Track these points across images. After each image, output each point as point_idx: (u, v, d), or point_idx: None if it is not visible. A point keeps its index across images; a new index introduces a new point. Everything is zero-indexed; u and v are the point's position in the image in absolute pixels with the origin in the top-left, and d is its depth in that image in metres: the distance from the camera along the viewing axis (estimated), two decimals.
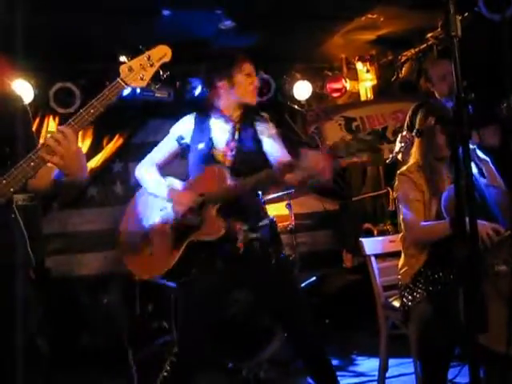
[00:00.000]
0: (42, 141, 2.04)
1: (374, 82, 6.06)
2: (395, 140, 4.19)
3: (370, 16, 4.78)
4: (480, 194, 2.84)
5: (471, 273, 1.60)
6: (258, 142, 2.98)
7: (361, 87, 6.13)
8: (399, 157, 3.91)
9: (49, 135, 1.95)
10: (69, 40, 4.51)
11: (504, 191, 2.87)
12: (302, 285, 4.62)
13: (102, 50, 4.72)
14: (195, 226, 2.82)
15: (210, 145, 2.95)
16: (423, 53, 5.36)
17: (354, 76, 6.06)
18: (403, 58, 5.66)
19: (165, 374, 2.84)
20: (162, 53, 2.18)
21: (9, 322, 2.01)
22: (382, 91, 6.08)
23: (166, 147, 3.06)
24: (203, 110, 3.06)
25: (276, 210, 4.67)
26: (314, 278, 4.84)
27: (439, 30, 4.93)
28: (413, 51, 5.49)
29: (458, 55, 1.65)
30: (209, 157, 2.93)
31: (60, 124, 5.19)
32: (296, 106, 6.06)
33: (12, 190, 1.93)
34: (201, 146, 2.96)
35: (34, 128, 2.28)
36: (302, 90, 5.82)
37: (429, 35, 5.12)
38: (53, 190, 2.13)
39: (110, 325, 4.71)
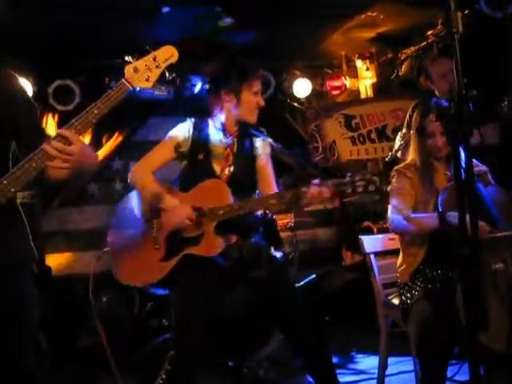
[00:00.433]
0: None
1: (374, 79, 6.05)
2: (395, 138, 4.19)
3: (369, 14, 4.78)
4: (478, 193, 2.83)
5: (472, 271, 1.60)
6: (254, 159, 2.97)
7: (361, 85, 6.12)
8: (399, 154, 3.91)
9: (51, 139, 1.92)
10: (68, 37, 4.50)
11: (502, 189, 2.86)
12: (302, 282, 4.62)
13: (101, 48, 4.72)
14: (191, 241, 2.80)
15: (210, 157, 2.92)
16: (423, 51, 5.35)
17: (354, 74, 6.05)
18: (403, 56, 5.65)
19: (160, 381, 2.79)
20: (168, 53, 2.14)
21: (15, 316, 2.00)
22: (381, 89, 6.08)
23: (162, 154, 2.98)
24: (202, 112, 3.02)
25: None
26: (314, 276, 4.84)
27: (439, 27, 4.92)
28: (413, 49, 5.48)
29: (459, 52, 1.65)
30: (207, 169, 2.90)
31: (59, 122, 5.20)
32: (296, 104, 6.06)
33: (13, 190, 1.91)
34: (200, 156, 2.92)
35: None
36: (302, 87, 5.82)
37: (429, 33, 5.11)
38: (68, 179, 2.07)
39: (109, 323, 4.71)
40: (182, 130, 2.97)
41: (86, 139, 5.42)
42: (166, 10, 4.31)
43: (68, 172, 1.99)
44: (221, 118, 2.96)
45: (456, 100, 1.61)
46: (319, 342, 3.00)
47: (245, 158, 2.95)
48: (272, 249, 3.81)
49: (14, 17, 3.90)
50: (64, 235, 5.52)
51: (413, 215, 2.88)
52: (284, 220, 4.75)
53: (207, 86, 3.11)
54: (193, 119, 3.01)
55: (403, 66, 5.66)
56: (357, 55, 5.98)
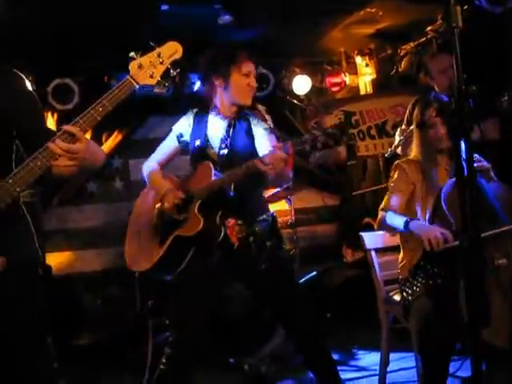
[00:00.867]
0: None
1: (374, 75, 6.04)
2: (395, 134, 4.19)
3: (369, 10, 4.77)
4: (481, 189, 2.83)
5: (474, 266, 1.60)
6: (252, 138, 2.97)
7: (360, 81, 6.11)
8: (398, 150, 3.91)
9: (56, 137, 1.90)
10: (67, 36, 4.49)
11: (504, 185, 2.86)
12: (303, 279, 4.62)
13: (100, 46, 4.72)
14: (179, 223, 2.88)
15: (205, 141, 2.98)
16: (422, 46, 5.34)
17: (354, 70, 6.05)
18: (402, 52, 5.65)
19: (162, 367, 2.84)
20: (172, 50, 2.12)
21: (21, 317, 2.00)
22: (381, 85, 6.07)
23: (166, 146, 3.12)
24: (204, 104, 3.06)
25: (276, 204, 4.67)
26: (315, 273, 4.84)
27: (439, 23, 4.91)
28: (412, 45, 5.47)
29: (459, 47, 1.65)
30: (202, 153, 2.96)
31: (59, 121, 5.19)
32: (295, 101, 6.05)
33: (18, 189, 1.90)
34: (197, 142, 2.99)
35: None
36: (302, 84, 5.81)
37: (428, 28, 5.11)
38: (74, 176, 2.08)
39: (110, 321, 4.71)
40: (184, 121, 3.08)
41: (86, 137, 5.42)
42: (165, 7, 4.30)
43: (72, 169, 1.99)
44: (216, 103, 3.00)
45: (456, 95, 1.61)
46: (320, 339, 3.00)
47: (242, 138, 2.96)
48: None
49: (13, 16, 3.89)
50: (64, 234, 5.52)
51: (390, 213, 2.93)
52: (284, 217, 4.75)
53: (200, 77, 3.15)
54: (195, 110, 3.08)
55: (403, 62, 5.65)
56: (356, 51, 5.97)
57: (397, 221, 2.87)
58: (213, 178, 2.83)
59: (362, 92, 6.14)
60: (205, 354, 2.98)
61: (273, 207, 4.51)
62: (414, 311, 2.80)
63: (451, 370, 2.85)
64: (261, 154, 2.86)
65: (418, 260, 2.91)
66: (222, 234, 2.84)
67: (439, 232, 2.63)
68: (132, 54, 2.10)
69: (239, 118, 2.99)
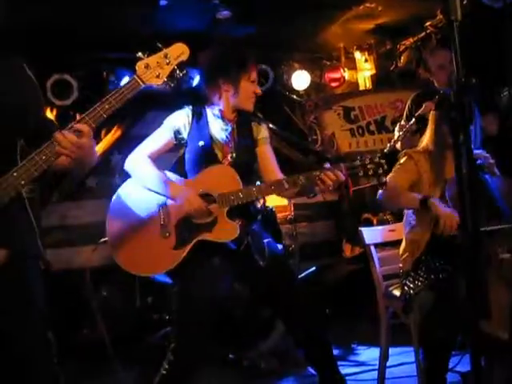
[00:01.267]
0: None
1: (373, 71, 6.04)
2: (394, 129, 4.19)
3: (368, 5, 4.76)
4: (485, 184, 2.84)
5: (473, 259, 1.60)
6: (254, 144, 2.98)
7: (359, 77, 6.11)
8: (398, 146, 3.90)
9: (65, 131, 1.93)
10: (66, 31, 4.48)
11: (506, 180, 2.87)
12: (302, 275, 4.62)
13: (99, 41, 4.70)
14: (204, 227, 2.78)
15: (211, 143, 2.92)
16: (422, 42, 5.34)
17: (353, 65, 6.04)
18: (402, 47, 5.64)
19: (163, 372, 2.80)
20: (179, 51, 2.18)
21: (24, 312, 2.00)
22: (380, 80, 6.06)
23: (160, 139, 2.97)
24: (200, 101, 3.02)
25: (275, 200, 4.66)
26: (314, 268, 4.84)
27: (438, 18, 4.91)
28: (411, 40, 5.47)
29: (458, 40, 1.64)
30: (210, 155, 2.90)
31: (58, 116, 5.17)
32: (294, 96, 6.04)
33: (23, 182, 1.90)
34: (201, 143, 2.91)
35: None
36: (301, 79, 5.80)
37: (427, 24, 5.10)
38: (70, 168, 2.08)
39: (110, 317, 4.71)
40: (182, 117, 2.97)
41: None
42: (163, 2, 4.29)
43: (70, 162, 1.99)
44: (219, 106, 2.96)
45: (455, 88, 1.61)
46: (320, 333, 3.00)
47: (245, 144, 2.96)
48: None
49: (12, 11, 3.88)
50: (63, 230, 5.51)
51: (398, 190, 2.95)
52: (284, 213, 4.75)
53: (204, 75, 3.10)
54: (191, 106, 3.00)
55: (402, 58, 5.65)
56: (355, 47, 5.97)
57: (410, 194, 2.89)
58: (241, 186, 2.77)
59: (362, 87, 6.13)
60: (203, 356, 2.94)
61: (272, 202, 4.53)
62: (416, 305, 2.81)
63: (450, 364, 2.86)
64: (262, 163, 2.93)
65: (421, 253, 2.91)
66: (249, 239, 2.84)
67: (455, 219, 2.68)
68: (139, 54, 2.13)
69: (241, 123, 2.98)
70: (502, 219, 2.67)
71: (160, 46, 2.14)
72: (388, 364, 3.47)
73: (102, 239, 3.09)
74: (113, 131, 5.55)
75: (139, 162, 2.95)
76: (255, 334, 4.00)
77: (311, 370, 3.38)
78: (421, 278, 2.85)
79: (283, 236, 4.52)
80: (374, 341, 3.79)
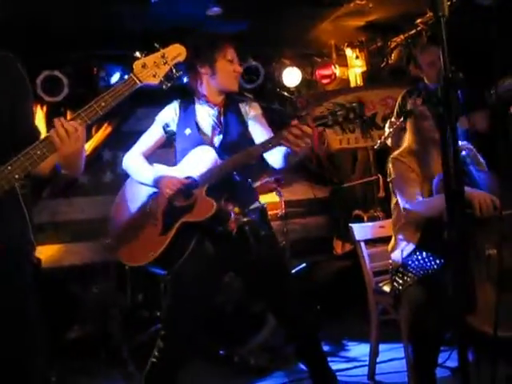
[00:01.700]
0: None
1: (364, 68, 6.05)
2: (385, 126, 4.20)
3: (358, 2, 4.76)
4: (472, 180, 2.85)
5: (460, 252, 1.61)
6: (244, 124, 2.97)
7: (350, 73, 6.12)
8: (388, 142, 3.92)
9: (59, 125, 1.93)
10: (56, 27, 4.46)
11: (493, 175, 2.88)
12: (293, 271, 4.63)
13: (89, 38, 4.69)
14: (186, 209, 2.80)
15: (197, 129, 2.94)
16: (412, 39, 5.36)
17: (344, 62, 6.04)
18: (393, 44, 5.66)
19: (153, 359, 2.82)
20: (176, 52, 2.20)
21: (18, 304, 1.99)
22: (371, 77, 6.07)
23: (151, 136, 3.04)
24: (188, 95, 3.03)
25: (267, 197, 4.67)
26: (305, 265, 4.85)
27: (428, 15, 4.92)
28: (402, 37, 5.49)
29: (446, 36, 1.66)
30: (197, 141, 2.91)
31: (48, 113, 5.14)
32: (285, 93, 6.04)
33: (17, 176, 1.90)
34: (187, 131, 2.94)
35: None
36: (292, 76, 5.79)
37: (418, 21, 5.12)
38: (51, 176, 2.11)
39: (100, 314, 4.71)
40: (169, 111, 3.03)
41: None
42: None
43: (50, 167, 2.01)
44: (202, 91, 2.97)
45: (443, 83, 1.62)
46: (311, 328, 3.02)
47: (234, 124, 2.95)
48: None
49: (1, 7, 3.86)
50: (53, 227, 5.49)
51: (422, 199, 2.89)
52: (275, 210, 4.75)
53: (184, 67, 3.10)
54: (179, 100, 3.05)
55: (393, 55, 5.67)
56: (346, 44, 5.97)
57: (435, 199, 2.82)
58: (217, 163, 2.79)
59: (352, 84, 6.14)
60: (198, 346, 2.96)
61: (263, 199, 4.53)
62: (405, 300, 2.82)
63: (440, 360, 2.87)
64: (257, 140, 2.88)
65: (411, 249, 2.92)
66: (232, 217, 2.82)
67: (489, 197, 2.63)
68: (137, 53, 2.16)
69: (229, 105, 2.98)
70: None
71: (157, 46, 2.16)
72: (378, 360, 3.49)
73: (107, 240, 3.13)
74: (103, 128, 5.53)
75: (131, 159, 3.03)
76: (246, 329, 4.01)
77: (302, 366, 3.40)
78: (410, 274, 2.86)
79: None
80: (364, 337, 3.81)
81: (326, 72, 5.92)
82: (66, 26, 4.49)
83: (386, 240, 3.30)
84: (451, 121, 1.55)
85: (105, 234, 3.15)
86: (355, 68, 6.06)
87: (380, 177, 5.34)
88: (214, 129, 2.94)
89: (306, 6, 4.74)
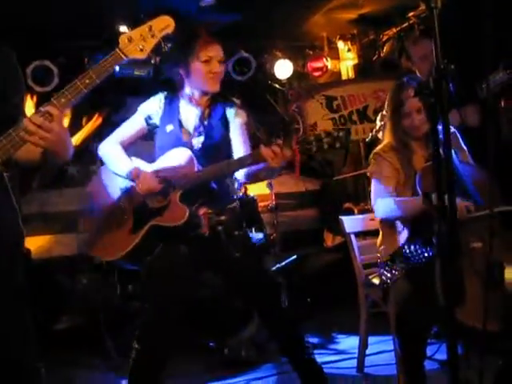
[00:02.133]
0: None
1: (356, 60, 6.05)
2: (376, 119, 4.20)
3: None
4: (455, 171, 2.84)
5: (449, 246, 1.61)
6: (226, 129, 2.92)
7: (342, 66, 6.12)
8: (379, 135, 3.92)
9: (32, 114, 1.88)
10: (46, 17, 4.42)
11: (478, 168, 2.87)
12: (283, 263, 4.63)
13: (79, 27, 4.65)
14: (157, 211, 2.76)
15: (179, 127, 2.90)
16: (405, 32, 5.36)
17: (336, 55, 6.04)
18: (385, 37, 5.66)
19: (131, 361, 2.78)
20: (164, 23, 2.07)
21: (12, 293, 1.98)
22: (363, 70, 6.07)
23: (132, 125, 2.97)
24: (175, 89, 2.99)
25: (257, 189, 4.67)
26: (295, 257, 4.86)
27: (421, 8, 4.92)
28: (394, 30, 5.49)
29: (438, 28, 1.65)
30: (177, 140, 2.87)
31: (38, 103, 5.12)
32: (277, 85, 6.03)
33: (0, 160, 1.86)
34: (169, 127, 2.89)
35: None
36: (283, 68, 5.78)
37: (410, 14, 5.11)
38: (41, 163, 2.04)
39: (89, 305, 4.69)
40: (154, 103, 2.96)
41: (66, 120, 5.36)
42: None
43: (40, 153, 1.95)
44: (186, 90, 2.93)
45: (434, 75, 1.62)
46: (291, 326, 3.01)
47: (217, 127, 2.91)
48: (253, 230, 3.79)
49: None
50: (43, 218, 5.47)
51: (396, 199, 2.87)
52: (265, 202, 4.75)
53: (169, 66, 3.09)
54: (165, 92, 2.99)
55: (385, 48, 5.67)
56: (338, 36, 5.97)
57: (409, 201, 2.81)
58: (196, 169, 2.74)
59: (344, 77, 6.15)
60: (183, 339, 2.93)
61: (254, 191, 4.52)
62: (393, 294, 2.82)
63: (429, 353, 2.88)
64: (235, 147, 2.86)
65: (399, 243, 2.92)
66: (203, 224, 2.79)
67: (463, 203, 2.64)
68: (123, 27, 2.05)
69: (214, 106, 2.93)
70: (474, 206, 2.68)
71: (143, 17, 2.05)
72: (367, 352, 3.50)
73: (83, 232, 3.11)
74: (94, 119, 5.51)
75: (107, 147, 2.94)
76: (236, 322, 4.01)
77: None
78: (398, 268, 2.86)
79: (264, 225, 4.53)
80: (353, 329, 3.81)
81: (318, 64, 5.91)
82: (57, 16, 4.46)
83: (376, 233, 3.29)
84: (443, 111, 1.54)
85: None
86: (347, 61, 6.06)
87: None
88: (195, 129, 2.90)
89: None
